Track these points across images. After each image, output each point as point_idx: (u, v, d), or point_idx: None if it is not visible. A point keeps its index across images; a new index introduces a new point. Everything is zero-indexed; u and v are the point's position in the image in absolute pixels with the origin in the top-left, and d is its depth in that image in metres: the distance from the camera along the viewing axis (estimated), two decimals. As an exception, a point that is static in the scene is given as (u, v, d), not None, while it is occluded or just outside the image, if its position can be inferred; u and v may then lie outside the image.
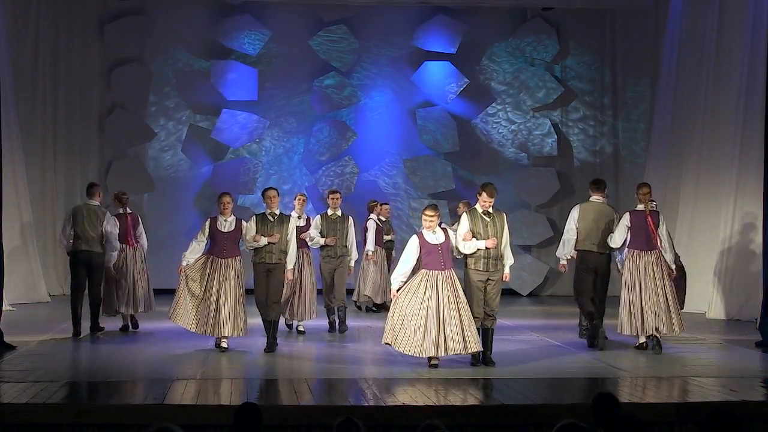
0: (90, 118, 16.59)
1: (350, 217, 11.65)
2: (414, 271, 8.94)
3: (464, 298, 8.80)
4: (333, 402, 7.42)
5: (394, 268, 9.13)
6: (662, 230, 10.03)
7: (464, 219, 9.08)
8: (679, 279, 10.58)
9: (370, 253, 13.05)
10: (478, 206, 9.15)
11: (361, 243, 13.07)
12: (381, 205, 14.38)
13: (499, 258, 9.08)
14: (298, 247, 11.03)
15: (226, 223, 9.88)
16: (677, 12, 15.38)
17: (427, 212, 8.88)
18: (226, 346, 9.77)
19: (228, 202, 9.92)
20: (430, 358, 8.77)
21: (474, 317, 8.88)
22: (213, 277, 9.72)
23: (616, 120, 17.59)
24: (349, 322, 11.67)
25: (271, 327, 9.91)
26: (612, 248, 10.19)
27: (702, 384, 8.15)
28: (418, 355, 8.69)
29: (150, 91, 16.72)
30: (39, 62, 16.00)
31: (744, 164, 13.04)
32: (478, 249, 8.96)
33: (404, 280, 8.81)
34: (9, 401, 7.03)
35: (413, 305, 8.65)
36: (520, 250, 16.87)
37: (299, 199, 11.66)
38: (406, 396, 7.46)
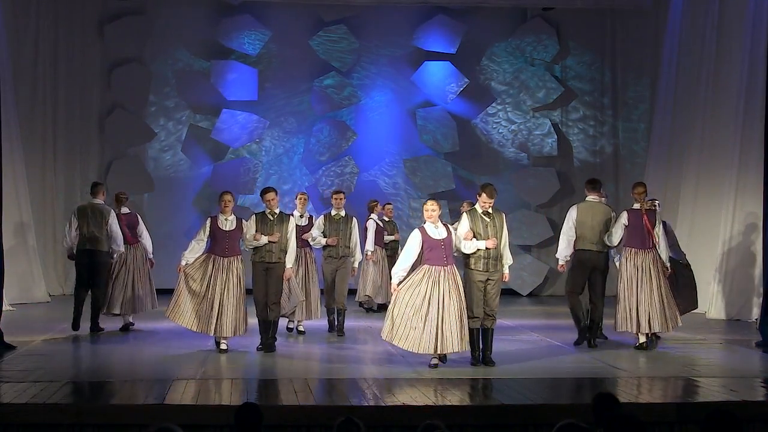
0: (90, 118, 16.60)
1: (354, 218, 11.57)
2: (413, 267, 8.92)
3: (464, 296, 8.80)
4: (333, 402, 7.41)
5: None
6: (658, 229, 10.10)
7: (464, 219, 9.08)
8: (679, 277, 10.63)
9: (369, 252, 13.05)
10: (477, 206, 9.15)
11: (362, 243, 13.05)
12: (384, 205, 14.39)
13: (499, 258, 9.08)
14: (301, 248, 11.05)
15: (227, 222, 9.87)
16: (677, 12, 15.39)
17: (429, 204, 8.89)
18: (226, 347, 9.76)
19: (229, 201, 9.91)
20: (431, 358, 8.78)
21: (473, 317, 8.89)
22: (215, 276, 9.68)
23: (616, 120, 17.59)
24: (349, 322, 11.66)
25: (270, 327, 9.91)
26: (610, 246, 10.27)
27: (702, 384, 8.15)
28: (415, 351, 8.68)
29: (150, 91, 16.72)
30: (39, 62, 16.00)
31: (744, 164, 13.04)
32: (478, 249, 8.96)
33: (405, 274, 8.79)
34: (9, 401, 7.03)
35: (414, 300, 8.62)
36: (520, 250, 16.88)
37: (300, 198, 11.62)
38: (406, 396, 7.46)
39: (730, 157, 13.40)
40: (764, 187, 10.69)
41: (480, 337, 9.03)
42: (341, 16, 16.94)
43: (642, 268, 10.01)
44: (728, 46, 13.89)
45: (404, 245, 9.07)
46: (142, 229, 11.63)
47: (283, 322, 10.95)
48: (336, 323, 11.35)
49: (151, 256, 11.66)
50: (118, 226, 11.15)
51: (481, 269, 8.97)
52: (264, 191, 10.12)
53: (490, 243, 8.95)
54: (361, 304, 13.83)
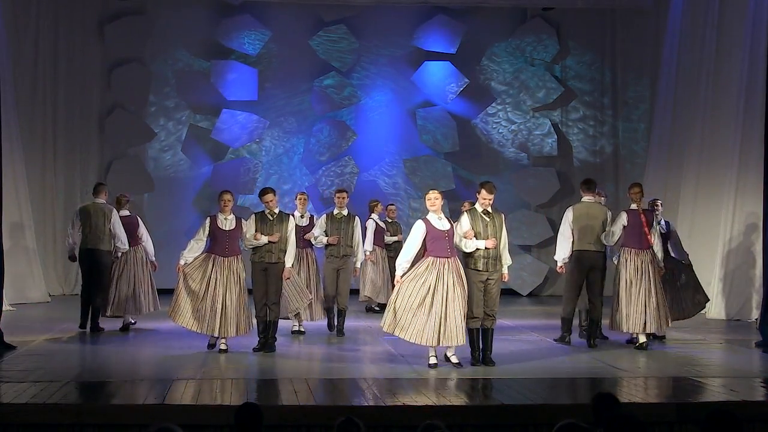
0: (90, 118, 16.59)
1: (356, 217, 11.51)
2: (415, 260, 8.90)
3: (467, 289, 8.79)
4: (333, 402, 7.41)
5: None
6: (655, 229, 10.20)
7: (465, 218, 9.06)
8: (681, 278, 10.67)
9: (367, 253, 13.03)
10: (478, 206, 9.14)
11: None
12: (387, 206, 14.39)
13: (498, 258, 9.08)
14: (303, 248, 11.03)
15: (227, 222, 9.84)
16: (677, 12, 15.39)
17: (432, 193, 8.91)
18: (226, 347, 9.75)
19: (228, 200, 9.88)
20: (430, 358, 8.78)
21: (473, 317, 8.89)
22: (216, 276, 9.63)
23: (616, 120, 17.59)
24: (349, 322, 11.65)
25: (269, 327, 9.90)
26: (607, 246, 10.34)
27: (702, 384, 8.15)
28: (417, 342, 8.66)
29: (150, 91, 16.73)
30: (39, 62, 16.00)
31: (744, 164, 13.04)
32: (478, 249, 8.95)
33: (408, 266, 8.77)
34: (9, 401, 7.03)
35: (419, 291, 8.60)
36: (520, 250, 16.88)
37: (300, 199, 11.57)
38: (406, 396, 7.45)
39: (730, 157, 13.40)
40: (764, 186, 10.70)
41: (480, 337, 9.02)
42: (341, 16, 16.94)
43: (641, 269, 10.07)
44: (728, 45, 13.89)
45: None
46: (143, 231, 11.65)
47: (286, 324, 10.93)
48: (336, 323, 11.33)
49: (153, 258, 11.68)
50: (120, 226, 11.19)
51: (481, 269, 8.97)
52: (262, 192, 10.09)
53: (490, 243, 8.94)
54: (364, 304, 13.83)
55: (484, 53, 17.46)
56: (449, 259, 8.74)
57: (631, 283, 10.05)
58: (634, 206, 10.24)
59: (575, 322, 10.95)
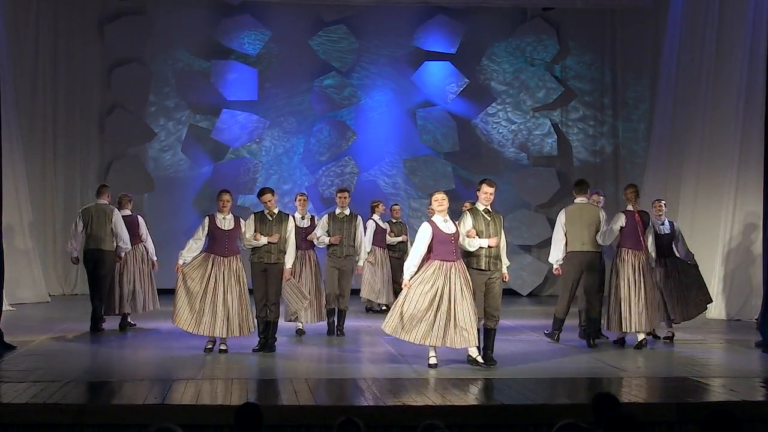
0: (90, 118, 16.60)
1: (359, 217, 11.47)
2: (420, 264, 8.89)
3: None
4: (333, 402, 7.41)
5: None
6: (648, 230, 10.29)
7: (467, 217, 9.04)
8: (686, 278, 10.73)
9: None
10: (479, 204, 9.13)
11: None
12: (392, 206, 14.38)
13: (499, 257, 9.08)
14: (305, 250, 11.00)
15: (225, 221, 9.79)
16: (677, 12, 15.38)
17: (440, 195, 8.88)
18: (225, 348, 9.75)
19: (227, 200, 9.81)
20: (430, 358, 8.78)
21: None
22: (216, 276, 9.57)
23: (616, 120, 17.59)
24: (349, 322, 11.65)
25: (269, 328, 9.89)
26: (603, 246, 10.39)
27: (702, 384, 8.14)
28: (423, 344, 8.65)
29: (150, 91, 16.73)
30: (39, 62, 16.01)
31: (744, 164, 13.05)
32: (481, 247, 8.95)
33: (416, 270, 8.74)
34: (9, 401, 7.03)
35: (426, 295, 8.57)
36: (520, 250, 16.88)
37: (300, 199, 11.48)
38: (406, 396, 7.45)
39: (730, 157, 13.40)
40: (764, 186, 10.70)
41: (482, 337, 9.01)
42: (341, 16, 16.95)
43: (638, 269, 10.13)
44: (728, 45, 13.89)
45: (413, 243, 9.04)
46: (144, 231, 11.69)
47: (287, 325, 10.92)
48: (336, 324, 11.29)
49: (154, 258, 11.73)
50: (122, 226, 11.23)
51: (483, 268, 8.96)
52: (261, 192, 10.06)
53: (493, 241, 8.95)
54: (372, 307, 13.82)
55: (484, 53, 17.46)
56: (455, 263, 8.71)
57: (628, 283, 10.09)
58: (630, 207, 10.32)
59: (575, 322, 10.96)
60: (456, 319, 8.56)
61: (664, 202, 11.10)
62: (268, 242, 9.81)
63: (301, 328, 11.13)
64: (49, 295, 15.13)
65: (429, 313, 8.57)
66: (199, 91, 16.84)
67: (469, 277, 8.77)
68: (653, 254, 10.39)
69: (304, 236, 10.96)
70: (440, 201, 8.84)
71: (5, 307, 10.57)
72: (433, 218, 8.88)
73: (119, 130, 16.56)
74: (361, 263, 11.48)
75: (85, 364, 9.29)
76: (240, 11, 16.73)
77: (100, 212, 11.25)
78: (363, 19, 17.12)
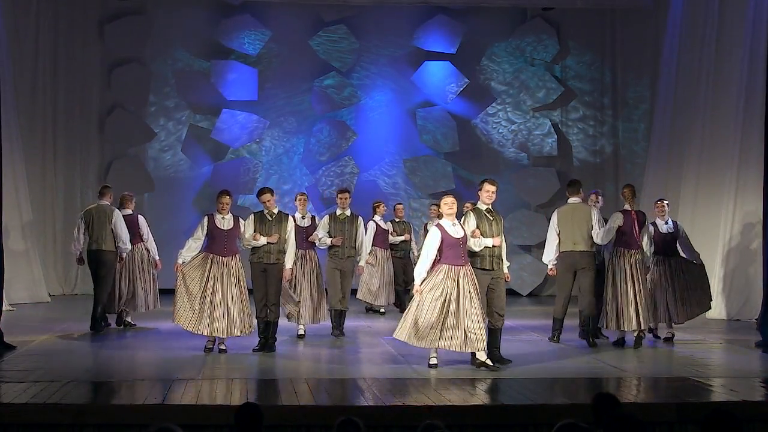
0: (90, 118, 16.60)
1: (360, 217, 11.44)
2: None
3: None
4: (333, 402, 7.41)
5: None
6: (644, 231, 10.36)
7: (471, 217, 9.02)
8: (690, 278, 10.75)
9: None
10: (481, 204, 9.12)
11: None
12: (395, 206, 14.37)
13: (500, 257, 9.09)
14: (305, 250, 10.99)
15: (224, 221, 9.76)
16: (677, 12, 15.38)
17: (449, 199, 8.81)
18: (225, 348, 9.74)
19: (227, 203, 9.75)
20: (430, 358, 8.78)
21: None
22: (215, 276, 9.56)
23: (616, 120, 17.59)
24: (349, 322, 11.65)
25: (269, 328, 9.89)
26: (598, 245, 10.41)
27: (702, 384, 8.15)
28: (433, 347, 8.64)
29: (150, 91, 16.73)
30: (39, 62, 16.01)
31: (744, 163, 13.05)
32: (486, 247, 8.94)
33: (426, 275, 8.70)
34: (9, 401, 7.03)
35: (437, 301, 8.54)
36: (520, 250, 16.88)
37: (300, 200, 11.43)
38: (406, 396, 7.45)
39: (730, 157, 13.40)
40: (764, 186, 10.71)
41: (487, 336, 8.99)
42: (341, 16, 16.95)
43: (630, 268, 10.20)
44: (728, 45, 13.89)
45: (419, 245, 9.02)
46: (144, 230, 11.71)
47: (288, 325, 10.91)
48: (336, 324, 11.27)
49: (156, 257, 11.77)
50: (123, 226, 11.24)
51: (487, 268, 8.95)
52: (260, 192, 10.05)
53: (497, 241, 8.96)
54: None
55: (484, 53, 17.46)
56: (464, 267, 8.67)
57: (624, 281, 10.14)
58: (627, 206, 10.37)
59: (575, 322, 10.96)
60: (465, 323, 8.54)
61: (667, 202, 11.10)
62: (268, 242, 9.80)
63: (302, 333, 11.01)
64: (49, 295, 15.13)
65: (439, 318, 8.55)
66: (199, 91, 16.84)
67: (477, 282, 8.73)
68: (648, 253, 10.45)
69: (304, 236, 10.95)
70: (449, 205, 8.77)
71: (5, 307, 10.57)
72: (441, 222, 8.84)
73: (119, 130, 16.56)
74: (362, 263, 11.46)
75: (85, 364, 9.29)
76: (240, 11, 16.73)
77: (101, 213, 11.28)
78: (363, 19, 17.12)
